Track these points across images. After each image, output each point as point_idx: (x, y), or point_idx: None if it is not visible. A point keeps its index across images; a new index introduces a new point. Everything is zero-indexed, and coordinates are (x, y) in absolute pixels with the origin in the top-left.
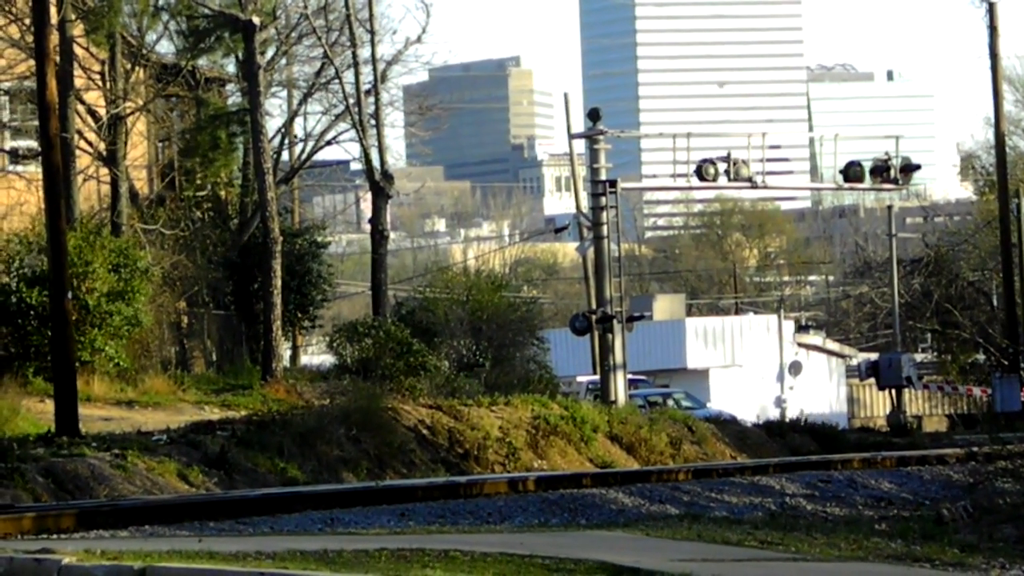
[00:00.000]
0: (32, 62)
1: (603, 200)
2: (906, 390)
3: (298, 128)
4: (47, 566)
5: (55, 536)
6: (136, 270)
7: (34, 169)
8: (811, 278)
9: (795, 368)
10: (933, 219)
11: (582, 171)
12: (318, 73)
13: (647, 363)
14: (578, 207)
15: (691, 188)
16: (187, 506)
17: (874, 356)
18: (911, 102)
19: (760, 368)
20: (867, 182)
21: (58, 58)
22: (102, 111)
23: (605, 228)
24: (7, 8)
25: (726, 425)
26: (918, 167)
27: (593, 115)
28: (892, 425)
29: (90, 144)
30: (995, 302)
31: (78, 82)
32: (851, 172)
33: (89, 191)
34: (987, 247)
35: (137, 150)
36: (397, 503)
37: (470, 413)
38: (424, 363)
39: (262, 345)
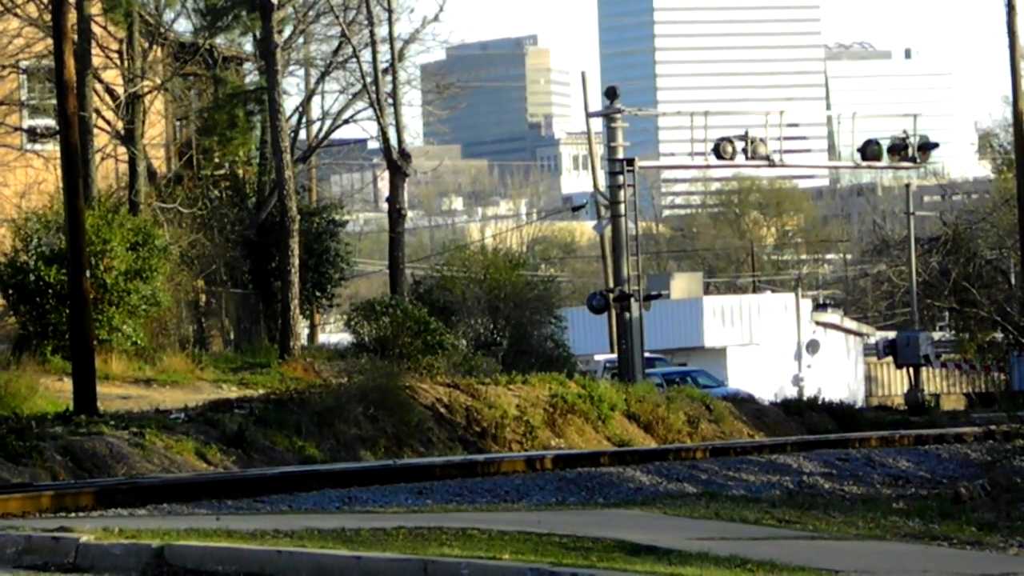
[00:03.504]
0: (50, 41)
1: (620, 179)
2: (923, 368)
3: (315, 107)
4: (65, 544)
5: (73, 514)
6: (154, 249)
7: (52, 148)
8: (829, 256)
9: (813, 347)
10: (951, 197)
11: (600, 150)
12: (335, 52)
13: (664, 341)
14: (595, 186)
15: (708, 166)
16: (205, 484)
17: (892, 335)
18: (929, 80)
19: (778, 347)
20: (885, 160)
21: (76, 37)
22: (120, 90)
23: (622, 207)
24: None
25: (743, 404)
26: (936, 145)
27: (610, 93)
28: (910, 403)
29: (108, 123)
30: (1013, 280)
31: (96, 61)
32: (869, 150)
33: (107, 170)
34: (1005, 225)
35: (155, 129)
36: (415, 481)
37: (487, 392)
38: (441, 342)
39: (280, 324)
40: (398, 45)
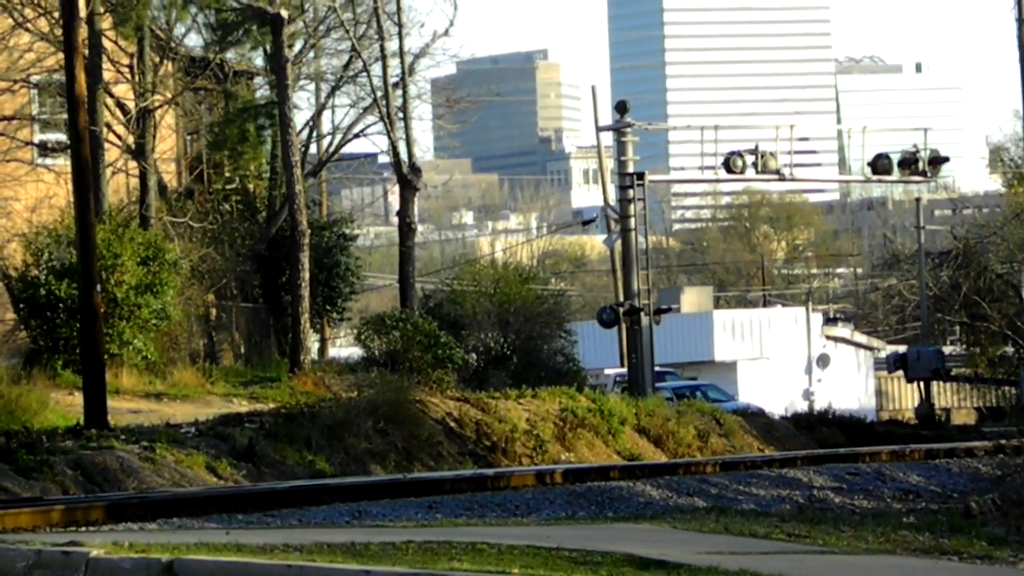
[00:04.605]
0: (61, 55)
1: (631, 193)
2: (934, 383)
3: (326, 121)
4: (75, 559)
5: (84, 528)
6: (164, 263)
7: (63, 162)
8: (839, 270)
9: (823, 361)
10: (961, 211)
11: (610, 164)
12: (346, 66)
13: (675, 355)
14: (606, 200)
15: (719, 180)
16: (215, 498)
17: (902, 349)
18: (939, 94)
19: (788, 361)
20: (895, 174)
21: (87, 51)
22: (131, 104)
23: (633, 221)
24: (36, 1)
25: (754, 418)
26: (946, 159)
27: (621, 108)
28: (920, 418)
29: (119, 137)
30: None
31: (107, 75)
32: (879, 164)
33: (118, 184)
34: (1016, 239)
35: (165, 143)
36: (425, 496)
37: (498, 406)
38: (452, 356)
39: (290, 338)
40: (408, 59)
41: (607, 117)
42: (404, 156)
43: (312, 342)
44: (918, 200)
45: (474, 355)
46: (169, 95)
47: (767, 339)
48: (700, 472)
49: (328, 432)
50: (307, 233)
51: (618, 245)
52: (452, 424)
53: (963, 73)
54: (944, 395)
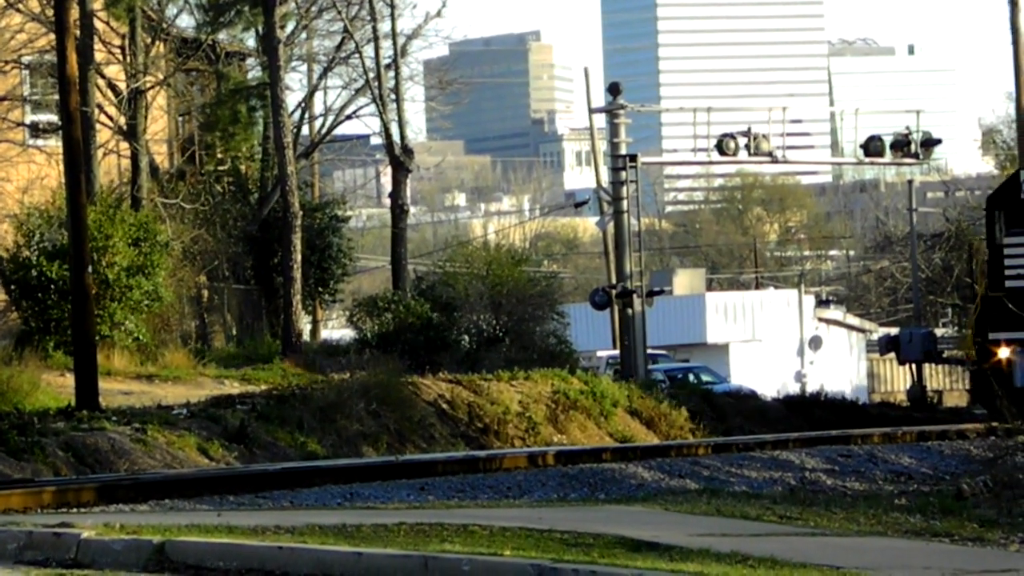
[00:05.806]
0: (52, 36)
1: (623, 175)
2: (926, 365)
3: (318, 102)
4: (66, 540)
5: (75, 510)
6: (156, 244)
7: (54, 143)
8: (832, 253)
9: (815, 343)
10: (954, 193)
11: (602, 146)
12: (338, 47)
13: (667, 338)
14: (598, 182)
15: (711, 163)
16: (207, 480)
17: (894, 331)
18: (932, 76)
19: (780, 343)
20: (888, 156)
21: (78, 32)
22: (122, 85)
23: (625, 203)
24: None
25: (746, 400)
26: (939, 141)
27: (613, 89)
28: (912, 400)
29: (110, 118)
30: None
31: (98, 56)
32: (872, 146)
33: (109, 165)
34: None
35: (157, 124)
36: (417, 477)
37: (490, 387)
38: (444, 337)
39: (282, 319)
40: (401, 40)
41: (600, 99)
42: (396, 138)
43: (304, 324)
44: (910, 182)
45: (466, 337)
46: (161, 76)
47: (759, 321)
48: (692, 454)
49: (320, 414)
50: (299, 215)
51: (610, 227)
52: (444, 406)
53: (956, 55)
54: (936, 377)
